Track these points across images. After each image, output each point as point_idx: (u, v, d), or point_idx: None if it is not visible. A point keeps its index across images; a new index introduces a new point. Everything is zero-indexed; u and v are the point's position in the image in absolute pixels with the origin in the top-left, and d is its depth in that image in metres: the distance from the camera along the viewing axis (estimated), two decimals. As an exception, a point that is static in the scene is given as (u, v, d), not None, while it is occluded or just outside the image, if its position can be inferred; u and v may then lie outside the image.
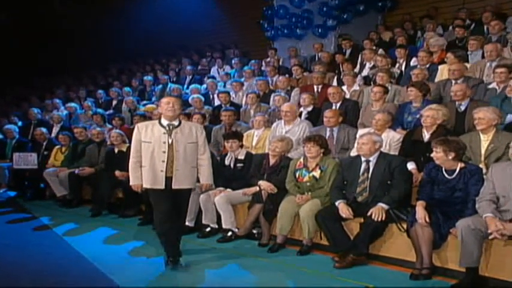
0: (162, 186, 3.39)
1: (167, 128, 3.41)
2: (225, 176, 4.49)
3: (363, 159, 3.68)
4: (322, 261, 3.58)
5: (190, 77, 9.42)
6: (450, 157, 3.27)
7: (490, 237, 2.87)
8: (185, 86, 8.94)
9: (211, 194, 4.33)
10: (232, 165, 4.52)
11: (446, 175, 3.29)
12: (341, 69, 7.02)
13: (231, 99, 7.07)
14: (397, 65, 6.73)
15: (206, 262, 3.53)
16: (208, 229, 4.38)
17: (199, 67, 9.70)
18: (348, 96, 5.90)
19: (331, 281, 3.18)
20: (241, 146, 4.59)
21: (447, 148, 3.27)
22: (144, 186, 3.46)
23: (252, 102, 6.15)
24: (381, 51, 7.40)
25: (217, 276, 3.30)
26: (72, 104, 8.56)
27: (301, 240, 3.87)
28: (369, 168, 3.64)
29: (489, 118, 3.65)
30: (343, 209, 3.54)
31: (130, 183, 3.54)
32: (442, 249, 3.21)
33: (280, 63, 8.75)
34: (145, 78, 9.63)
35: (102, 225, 4.89)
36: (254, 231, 4.23)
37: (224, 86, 8.02)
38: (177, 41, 12.13)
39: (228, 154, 4.59)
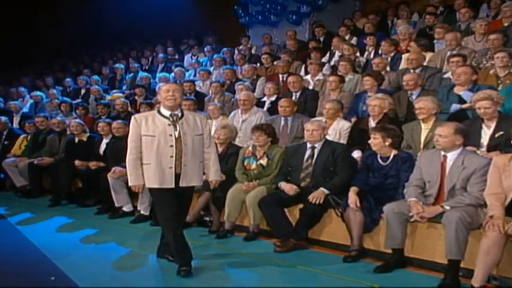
0: (172, 185, 3.19)
1: (171, 119, 3.22)
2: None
3: (308, 145, 3.99)
4: (265, 247, 3.89)
5: (163, 65, 9.64)
6: (387, 143, 3.59)
7: (411, 220, 3.20)
8: (157, 74, 9.18)
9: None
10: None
11: (381, 162, 3.62)
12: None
13: (199, 88, 7.34)
14: (366, 53, 7.03)
15: (149, 247, 3.82)
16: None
17: (169, 56, 9.90)
18: (311, 85, 6.20)
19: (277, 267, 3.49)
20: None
21: (385, 134, 3.59)
22: (150, 186, 3.21)
23: (216, 91, 6.41)
24: (355, 39, 7.72)
25: (157, 260, 3.58)
26: (38, 93, 8.73)
27: (249, 227, 4.19)
28: (313, 154, 3.95)
29: (429, 107, 3.96)
30: (286, 187, 3.84)
31: (130, 184, 3.29)
32: (375, 233, 3.54)
33: (253, 51, 9.00)
34: (115, 66, 9.84)
35: (59, 214, 5.18)
36: (206, 219, 4.54)
37: (195, 75, 8.27)
38: (153, 28, 12.28)
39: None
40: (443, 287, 2.92)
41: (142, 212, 4.85)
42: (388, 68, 6.02)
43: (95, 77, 9.17)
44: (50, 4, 12.97)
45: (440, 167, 3.25)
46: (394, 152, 3.59)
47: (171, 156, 3.17)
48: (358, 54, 6.94)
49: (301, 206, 3.86)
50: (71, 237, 4.29)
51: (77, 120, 6.11)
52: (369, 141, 3.67)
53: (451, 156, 3.24)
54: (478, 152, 3.53)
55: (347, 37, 7.71)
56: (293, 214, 3.97)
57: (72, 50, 13.22)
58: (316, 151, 3.98)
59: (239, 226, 4.32)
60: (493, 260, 2.78)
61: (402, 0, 8.87)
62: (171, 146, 3.17)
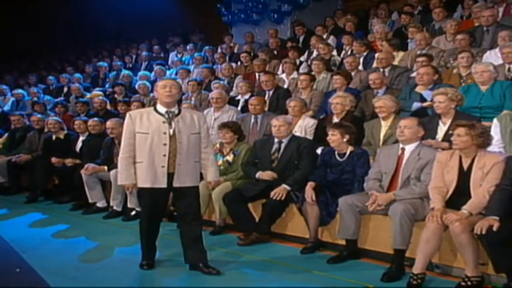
0: (165, 185, 3.15)
1: (166, 116, 3.16)
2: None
3: (276, 140, 4.17)
4: (230, 240, 4.08)
5: (146, 63, 9.80)
6: (345, 139, 3.80)
7: (370, 208, 3.37)
8: (139, 73, 9.32)
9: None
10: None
11: (338, 158, 3.82)
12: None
13: (178, 86, 7.50)
14: (343, 52, 7.24)
15: (117, 241, 4.01)
16: (133, 212, 4.85)
17: (154, 54, 10.06)
18: (286, 84, 6.40)
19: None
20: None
21: (344, 131, 3.80)
22: (142, 185, 3.17)
23: (193, 89, 6.59)
24: (332, 38, 7.93)
25: (122, 253, 3.79)
26: (20, 91, 8.86)
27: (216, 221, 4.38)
28: (280, 148, 4.14)
29: (388, 106, 4.17)
30: (265, 175, 4.03)
31: (120, 183, 3.26)
32: (332, 226, 3.73)
33: (236, 49, 9.18)
34: (99, 64, 9.98)
35: (33, 211, 5.34)
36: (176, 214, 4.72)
37: (176, 73, 8.43)
38: (139, 25, 12.41)
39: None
40: (388, 275, 3.12)
41: (115, 207, 5.02)
42: (361, 67, 6.23)
43: (77, 75, 9.31)
44: (35, 2, 13.07)
45: (397, 160, 3.46)
46: (350, 149, 3.79)
47: (164, 155, 3.12)
48: (335, 53, 7.15)
49: (264, 201, 4.04)
50: (42, 232, 4.45)
51: (55, 117, 6.27)
52: (327, 138, 3.86)
53: (409, 148, 3.46)
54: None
55: (325, 36, 7.92)
56: (258, 209, 4.15)
57: (58, 48, 13.33)
58: (282, 145, 4.16)
59: (207, 221, 4.47)
60: (432, 249, 2.99)
61: (383, -1, 9.08)
62: (165, 144, 3.12)
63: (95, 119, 5.84)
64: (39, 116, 6.66)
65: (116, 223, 4.77)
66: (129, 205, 4.90)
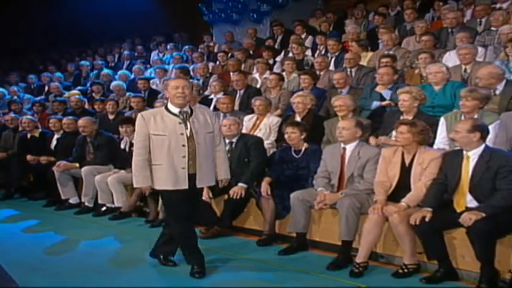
0: (186, 186, 3.12)
1: (181, 117, 3.12)
2: (121, 158, 5.13)
3: (227, 141, 4.35)
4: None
5: (128, 62, 9.94)
6: (303, 137, 4.00)
7: (316, 207, 3.59)
8: (119, 72, 9.45)
9: (105, 175, 4.99)
10: (127, 149, 5.14)
11: (294, 155, 4.03)
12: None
13: (155, 86, 7.68)
14: (317, 52, 7.45)
15: (84, 235, 4.19)
16: (103, 208, 5.03)
17: (136, 53, 10.21)
18: (259, 83, 6.60)
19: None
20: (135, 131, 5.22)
21: (302, 129, 4.01)
22: (163, 187, 3.14)
23: (167, 88, 6.75)
24: (310, 38, 8.14)
25: (89, 246, 3.98)
26: (0, 89, 8.98)
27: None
28: (232, 149, 4.31)
29: (347, 105, 4.37)
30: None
31: (136, 185, 3.24)
32: (287, 220, 3.92)
33: (216, 49, 9.35)
34: (81, 63, 10.11)
35: (7, 207, 5.51)
36: (146, 210, 4.91)
37: (154, 72, 8.59)
38: (124, 24, 12.52)
39: (124, 138, 5.22)
40: (334, 264, 3.32)
41: (86, 204, 5.20)
42: (332, 67, 6.44)
43: (58, 73, 9.43)
44: (19, 1, 13.11)
45: (340, 159, 3.67)
46: (305, 145, 4.00)
47: (184, 156, 3.08)
48: (309, 53, 7.36)
49: (226, 197, 4.21)
50: (11, 228, 4.63)
51: (29, 116, 6.41)
52: (286, 136, 4.06)
53: (349, 148, 3.66)
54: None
55: (303, 36, 8.12)
56: (220, 205, 4.32)
57: (41, 47, 13.40)
58: (233, 145, 4.32)
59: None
60: (373, 239, 3.21)
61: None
62: (184, 145, 3.08)
63: (70, 117, 5.99)
64: (12, 115, 6.79)
65: (86, 219, 4.95)
66: (100, 201, 5.08)
